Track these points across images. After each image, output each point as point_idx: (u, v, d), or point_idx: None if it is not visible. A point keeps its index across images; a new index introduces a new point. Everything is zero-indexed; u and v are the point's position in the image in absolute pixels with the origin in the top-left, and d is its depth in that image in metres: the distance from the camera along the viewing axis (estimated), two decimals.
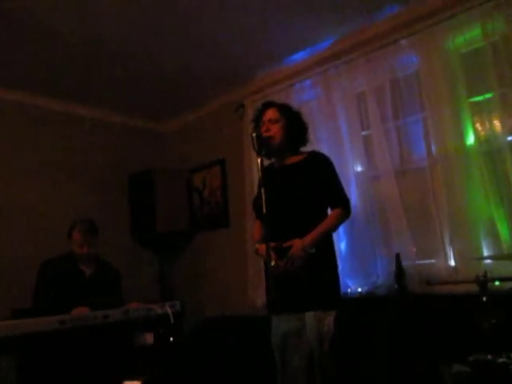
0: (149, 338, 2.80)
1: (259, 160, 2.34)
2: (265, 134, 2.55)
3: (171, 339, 2.77)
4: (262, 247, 2.50)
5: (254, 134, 2.38)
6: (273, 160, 2.78)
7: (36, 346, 2.45)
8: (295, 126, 2.69)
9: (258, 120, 2.70)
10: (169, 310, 2.74)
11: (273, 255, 2.42)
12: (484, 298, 2.20)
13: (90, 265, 3.33)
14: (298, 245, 2.43)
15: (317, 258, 2.45)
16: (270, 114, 2.67)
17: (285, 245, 2.45)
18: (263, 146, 2.41)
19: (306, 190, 2.55)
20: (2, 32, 3.25)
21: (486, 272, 2.26)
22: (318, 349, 2.38)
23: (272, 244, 2.36)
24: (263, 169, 2.32)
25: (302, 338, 2.43)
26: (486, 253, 2.84)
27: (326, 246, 2.54)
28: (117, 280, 3.48)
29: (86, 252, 3.24)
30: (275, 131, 2.61)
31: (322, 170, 2.61)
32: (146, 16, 3.20)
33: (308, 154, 2.71)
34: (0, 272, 3.83)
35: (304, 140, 2.76)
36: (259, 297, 3.83)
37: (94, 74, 3.99)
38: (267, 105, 2.75)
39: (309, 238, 2.45)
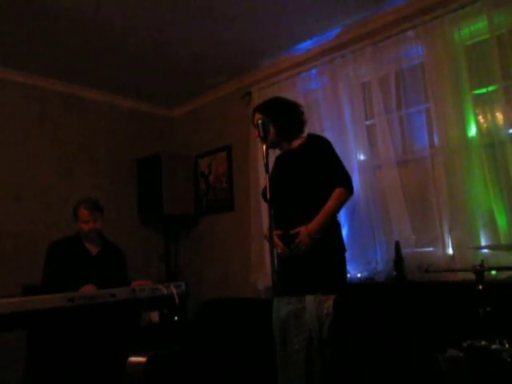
0: (154, 317, 2.87)
1: (264, 147, 2.38)
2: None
3: (176, 319, 2.84)
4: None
5: (260, 122, 2.42)
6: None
7: (45, 322, 2.51)
8: (281, 117, 2.72)
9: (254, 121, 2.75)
10: (174, 291, 2.79)
11: (279, 242, 2.52)
12: (480, 287, 2.22)
13: (96, 244, 3.39)
14: (303, 232, 2.49)
15: (321, 242, 2.51)
16: (256, 118, 2.71)
17: (291, 232, 2.52)
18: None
19: (306, 174, 2.59)
20: (13, 15, 3.28)
21: (482, 261, 2.28)
22: (317, 332, 2.42)
23: (278, 232, 2.45)
24: (267, 155, 2.37)
25: (302, 320, 2.45)
26: (483, 243, 2.87)
27: (331, 229, 2.58)
28: (122, 260, 3.54)
29: (93, 227, 3.29)
30: None
31: (320, 152, 2.64)
32: (157, 3, 3.23)
33: (305, 138, 2.76)
34: (12, 250, 3.93)
35: (297, 125, 2.78)
36: (261, 280, 3.91)
37: (104, 58, 4.02)
38: (253, 111, 2.84)
39: (313, 225, 2.50)
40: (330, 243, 2.58)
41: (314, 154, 2.64)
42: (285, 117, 2.75)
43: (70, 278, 3.08)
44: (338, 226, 2.67)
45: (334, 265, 2.58)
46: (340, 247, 2.64)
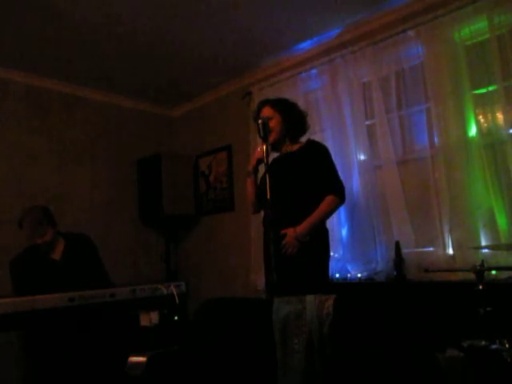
0: (154, 317, 2.86)
1: (264, 147, 2.39)
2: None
3: (176, 319, 2.83)
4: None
5: (260, 121, 2.43)
6: None
7: (45, 322, 2.51)
8: (291, 118, 2.75)
9: (257, 118, 2.75)
10: (174, 291, 2.78)
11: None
12: (480, 287, 2.22)
13: (55, 249, 3.24)
14: (291, 234, 2.51)
15: (307, 245, 2.52)
16: (265, 111, 2.74)
17: (282, 232, 2.53)
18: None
19: (300, 177, 2.61)
20: (14, 15, 3.28)
21: (482, 261, 2.28)
22: (317, 332, 2.42)
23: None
24: (268, 155, 2.38)
25: (302, 320, 2.45)
26: (483, 242, 2.88)
27: (318, 234, 2.60)
28: (90, 250, 3.36)
29: (40, 242, 3.14)
30: (271, 127, 2.65)
31: (317, 158, 2.66)
32: (156, 4, 3.23)
33: (305, 143, 2.77)
34: (13, 249, 3.92)
35: (303, 129, 2.82)
36: (261, 280, 3.91)
37: (104, 58, 4.02)
38: (262, 103, 2.83)
39: (301, 228, 2.51)
40: (316, 247, 2.58)
41: (310, 159, 2.65)
42: (295, 115, 2.78)
43: (38, 290, 3.00)
44: (325, 232, 2.68)
45: (316, 268, 2.57)
46: (325, 252, 2.65)
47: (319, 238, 2.60)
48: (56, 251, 3.24)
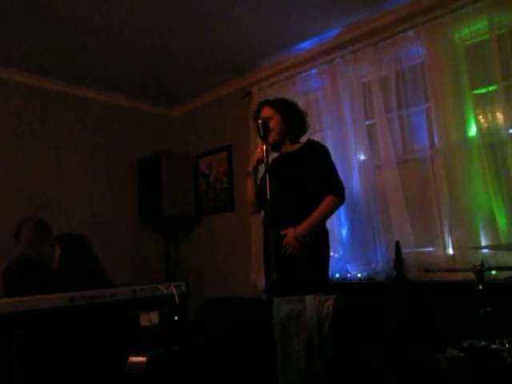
0: (154, 317, 2.86)
1: (264, 147, 2.39)
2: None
3: (176, 318, 2.83)
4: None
5: (260, 121, 2.44)
6: None
7: (45, 322, 2.51)
8: (291, 118, 2.76)
9: (257, 118, 2.75)
10: (174, 291, 2.79)
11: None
12: (480, 287, 2.22)
13: (52, 258, 3.19)
14: (291, 234, 2.53)
15: (308, 245, 2.53)
16: (265, 112, 2.76)
17: (282, 232, 2.55)
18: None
19: (300, 178, 2.62)
20: (12, 15, 3.28)
21: (482, 261, 2.28)
22: (317, 332, 2.43)
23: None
24: (268, 155, 2.38)
25: (302, 320, 2.46)
26: (483, 242, 2.88)
27: (318, 235, 2.61)
28: (86, 252, 3.31)
29: (36, 255, 3.10)
30: (271, 127, 2.65)
31: (317, 158, 2.67)
32: (157, 3, 3.23)
33: (305, 143, 2.78)
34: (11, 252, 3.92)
35: (302, 129, 2.83)
36: (261, 280, 3.91)
37: (104, 58, 4.02)
38: (262, 103, 2.85)
39: (301, 228, 2.53)
40: (316, 247, 2.59)
41: (310, 159, 2.66)
42: (295, 115, 2.79)
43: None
44: (325, 232, 2.69)
45: (316, 268, 2.58)
46: (325, 252, 2.66)
47: (319, 238, 2.61)
48: (53, 260, 3.19)
